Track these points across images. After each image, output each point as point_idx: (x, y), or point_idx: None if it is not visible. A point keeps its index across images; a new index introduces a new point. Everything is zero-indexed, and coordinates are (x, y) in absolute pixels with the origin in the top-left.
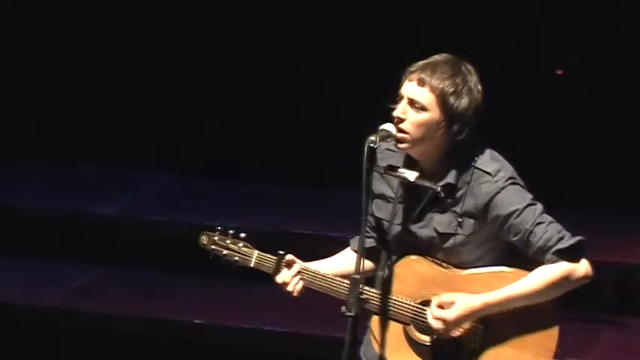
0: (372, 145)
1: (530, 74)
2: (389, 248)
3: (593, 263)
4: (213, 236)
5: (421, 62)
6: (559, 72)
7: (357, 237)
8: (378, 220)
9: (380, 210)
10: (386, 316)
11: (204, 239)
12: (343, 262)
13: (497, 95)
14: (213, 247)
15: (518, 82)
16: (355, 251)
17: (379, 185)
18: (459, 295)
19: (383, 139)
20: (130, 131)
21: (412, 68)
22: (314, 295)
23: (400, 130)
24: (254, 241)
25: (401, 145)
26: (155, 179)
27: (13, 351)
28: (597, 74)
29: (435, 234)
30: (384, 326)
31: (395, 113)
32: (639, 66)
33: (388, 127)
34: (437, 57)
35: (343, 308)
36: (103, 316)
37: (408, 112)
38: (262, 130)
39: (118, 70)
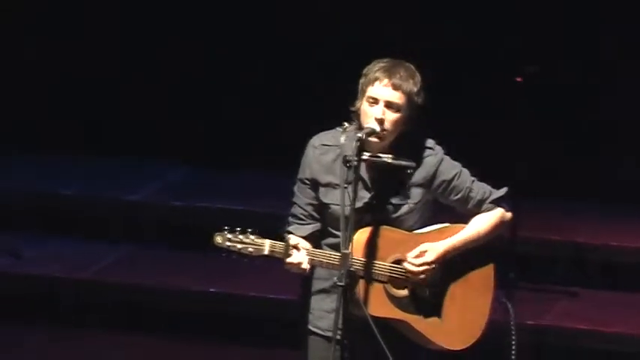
0: (359, 141)
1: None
2: (349, 223)
3: (548, 241)
4: (226, 234)
5: (382, 66)
6: (518, 79)
7: (297, 224)
8: (326, 205)
9: (326, 196)
10: (369, 278)
11: (218, 239)
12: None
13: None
14: (228, 243)
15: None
16: (302, 237)
17: (324, 176)
18: (425, 245)
19: (369, 135)
20: (157, 129)
21: (376, 74)
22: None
23: (382, 129)
24: (255, 221)
25: (383, 141)
26: (177, 171)
27: (55, 319)
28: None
29: (389, 205)
30: (366, 289)
31: (377, 115)
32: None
33: (372, 124)
34: (391, 61)
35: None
36: (131, 288)
37: (385, 112)
38: (270, 127)
39: (143, 77)
